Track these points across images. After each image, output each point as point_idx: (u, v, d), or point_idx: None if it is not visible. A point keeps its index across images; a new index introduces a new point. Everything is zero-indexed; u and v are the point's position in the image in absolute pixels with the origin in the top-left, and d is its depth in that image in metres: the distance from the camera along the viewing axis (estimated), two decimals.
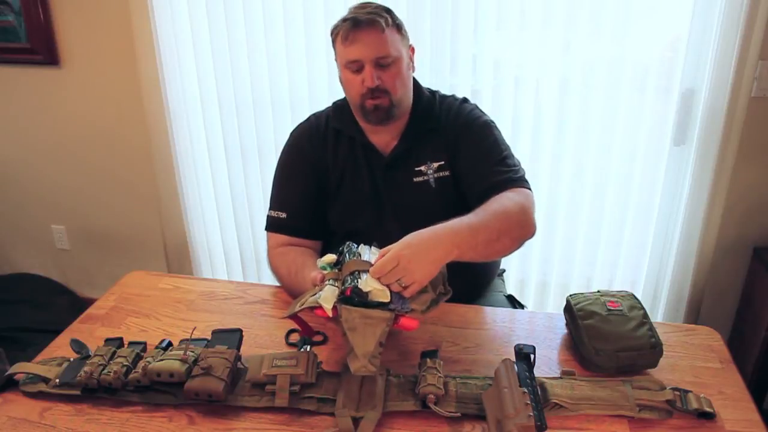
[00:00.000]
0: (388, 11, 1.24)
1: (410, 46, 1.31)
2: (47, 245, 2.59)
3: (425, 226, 1.04)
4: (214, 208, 2.30)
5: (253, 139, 2.13)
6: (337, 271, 1.02)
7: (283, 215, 1.35)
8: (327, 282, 1.00)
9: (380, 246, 1.02)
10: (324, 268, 1.04)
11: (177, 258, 2.37)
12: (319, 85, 2.00)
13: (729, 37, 1.68)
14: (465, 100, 1.37)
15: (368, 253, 1.03)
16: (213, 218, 2.32)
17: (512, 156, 1.30)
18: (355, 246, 1.05)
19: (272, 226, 1.37)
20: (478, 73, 1.92)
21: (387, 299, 0.93)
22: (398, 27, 1.25)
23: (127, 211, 2.43)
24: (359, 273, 0.96)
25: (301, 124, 1.42)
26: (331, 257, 1.05)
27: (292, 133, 1.42)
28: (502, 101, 1.90)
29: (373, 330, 0.92)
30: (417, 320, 0.96)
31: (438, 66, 1.90)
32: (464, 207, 1.26)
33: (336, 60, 1.28)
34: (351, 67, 1.23)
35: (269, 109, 2.08)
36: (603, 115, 1.86)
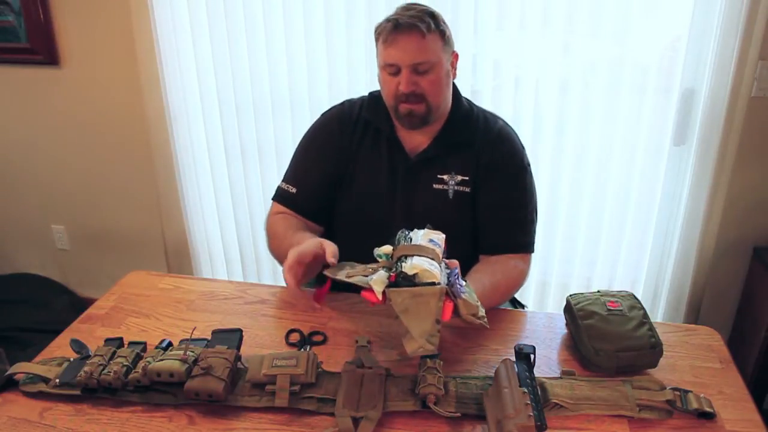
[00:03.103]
0: (433, 15, 1.21)
1: (454, 52, 1.28)
2: (47, 245, 2.59)
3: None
4: (214, 208, 2.30)
5: (253, 139, 2.13)
6: (391, 260, 1.01)
7: (293, 190, 1.35)
8: (381, 270, 0.99)
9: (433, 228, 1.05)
10: (380, 257, 1.03)
11: (177, 258, 2.37)
12: (319, 85, 2.00)
13: (729, 37, 1.68)
14: (504, 123, 1.36)
15: (420, 236, 1.02)
16: (213, 218, 2.32)
17: (534, 211, 1.33)
18: (407, 231, 1.04)
19: (279, 197, 1.37)
20: (478, 73, 1.92)
21: (435, 279, 0.92)
22: (441, 33, 1.22)
23: (127, 211, 2.43)
24: (405, 257, 0.95)
25: (335, 106, 1.40)
26: (388, 248, 1.04)
27: (324, 114, 1.40)
28: (502, 101, 1.90)
29: (426, 307, 0.90)
30: (451, 314, 0.94)
31: None
32: (476, 223, 1.27)
33: (376, 57, 1.26)
34: (388, 70, 1.22)
35: (269, 109, 2.08)
36: (603, 115, 1.86)
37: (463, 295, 0.95)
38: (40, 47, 2.20)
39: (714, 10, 1.69)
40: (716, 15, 1.69)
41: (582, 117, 1.88)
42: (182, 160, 2.23)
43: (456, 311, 0.95)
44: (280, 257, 1.25)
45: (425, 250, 0.97)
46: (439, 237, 1.04)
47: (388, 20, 1.21)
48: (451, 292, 0.94)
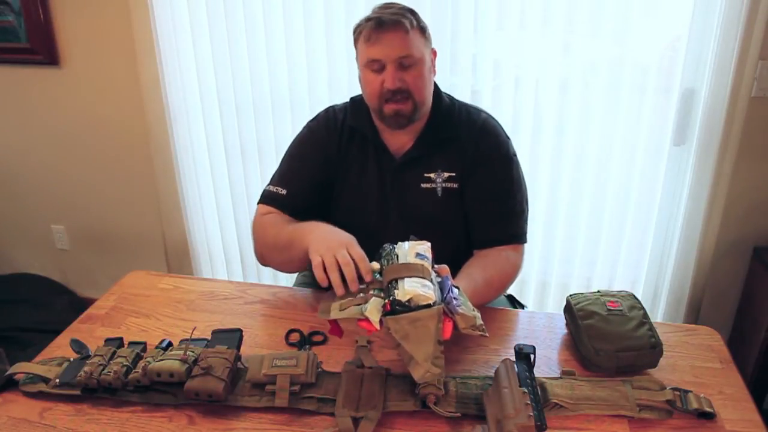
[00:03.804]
0: (413, 12, 1.22)
1: (432, 49, 1.28)
2: (47, 245, 2.59)
3: (429, 230, 1.05)
4: (214, 208, 2.30)
5: (253, 139, 2.13)
6: (380, 278, 1.00)
7: (283, 192, 1.32)
8: (372, 292, 0.98)
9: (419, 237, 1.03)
10: None
11: (177, 258, 2.37)
12: (319, 85, 2.00)
13: (729, 37, 1.68)
14: (488, 115, 1.35)
15: (406, 251, 1.01)
16: (213, 218, 2.32)
17: (524, 201, 1.32)
18: (391, 246, 1.03)
19: (267, 199, 1.33)
20: (478, 73, 1.92)
21: (430, 300, 0.91)
22: (422, 29, 1.23)
23: (127, 211, 2.43)
24: (395, 282, 0.94)
25: (320, 114, 1.39)
26: (375, 265, 1.03)
27: (310, 122, 1.39)
28: (502, 101, 1.90)
29: (426, 330, 0.89)
30: (451, 332, 0.94)
31: (438, 66, 1.88)
32: (466, 217, 1.26)
33: (356, 60, 1.26)
34: (372, 67, 1.21)
35: (269, 109, 2.08)
36: (603, 115, 1.86)
37: (459, 309, 0.95)
38: (40, 47, 2.20)
39: (714, 10, 1.69)
40: (716, 15, 1.69)
41: (582, 117, 1.88)
42: (182, 161, 2.23)
43: (455, 327, 0.95)
44: (277, 248, 1.22)
45: (414, 268, 0.96)
46: (425, 248, 1.03)
47: (368, 19, 1.21)
48: (447, 310, 0.93)
